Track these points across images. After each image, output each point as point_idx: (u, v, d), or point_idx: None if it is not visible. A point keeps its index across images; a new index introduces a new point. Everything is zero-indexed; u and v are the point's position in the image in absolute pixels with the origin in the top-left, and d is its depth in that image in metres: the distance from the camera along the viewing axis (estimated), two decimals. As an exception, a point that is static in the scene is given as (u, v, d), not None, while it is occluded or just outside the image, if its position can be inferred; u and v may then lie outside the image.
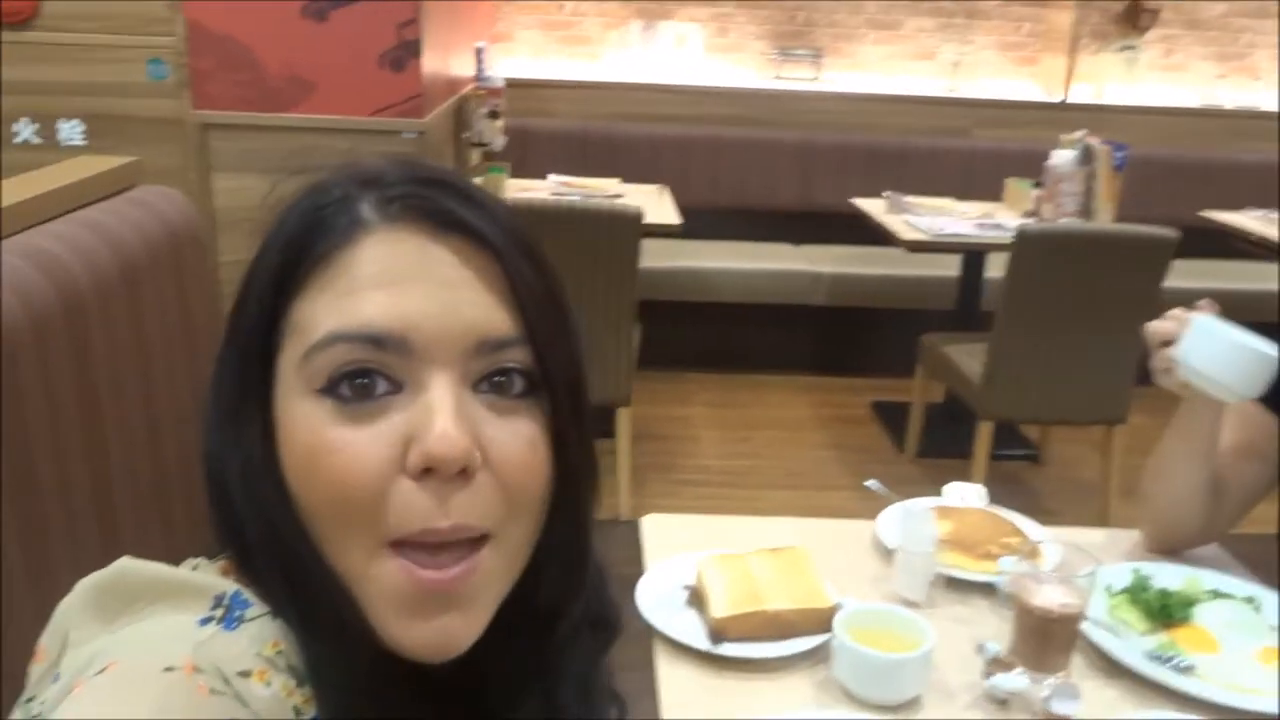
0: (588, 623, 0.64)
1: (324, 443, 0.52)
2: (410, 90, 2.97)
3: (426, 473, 0.51)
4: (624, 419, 3.14)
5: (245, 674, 0.49)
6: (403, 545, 0.52)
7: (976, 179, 4.36)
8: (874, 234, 3.71)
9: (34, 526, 0.93)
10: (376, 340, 0.51)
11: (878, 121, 4.67)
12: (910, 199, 3.84)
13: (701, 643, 1.21)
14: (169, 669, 0.47)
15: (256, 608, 0.53)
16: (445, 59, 3.41)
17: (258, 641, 0.51)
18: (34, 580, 0.90)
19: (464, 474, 0.52)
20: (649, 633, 1.24)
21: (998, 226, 3.52)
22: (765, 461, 3.63)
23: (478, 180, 3.72)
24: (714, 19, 4.76)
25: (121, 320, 1.16)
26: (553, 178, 3.96)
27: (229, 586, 0.53)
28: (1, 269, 0.89)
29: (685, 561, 1.36)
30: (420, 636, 0.53)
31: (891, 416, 3.91)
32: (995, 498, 1.56)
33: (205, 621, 0.51)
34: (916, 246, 3.46)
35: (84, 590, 0.53)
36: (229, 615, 0.51)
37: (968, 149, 4.62)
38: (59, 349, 0.96)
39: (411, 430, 0.51)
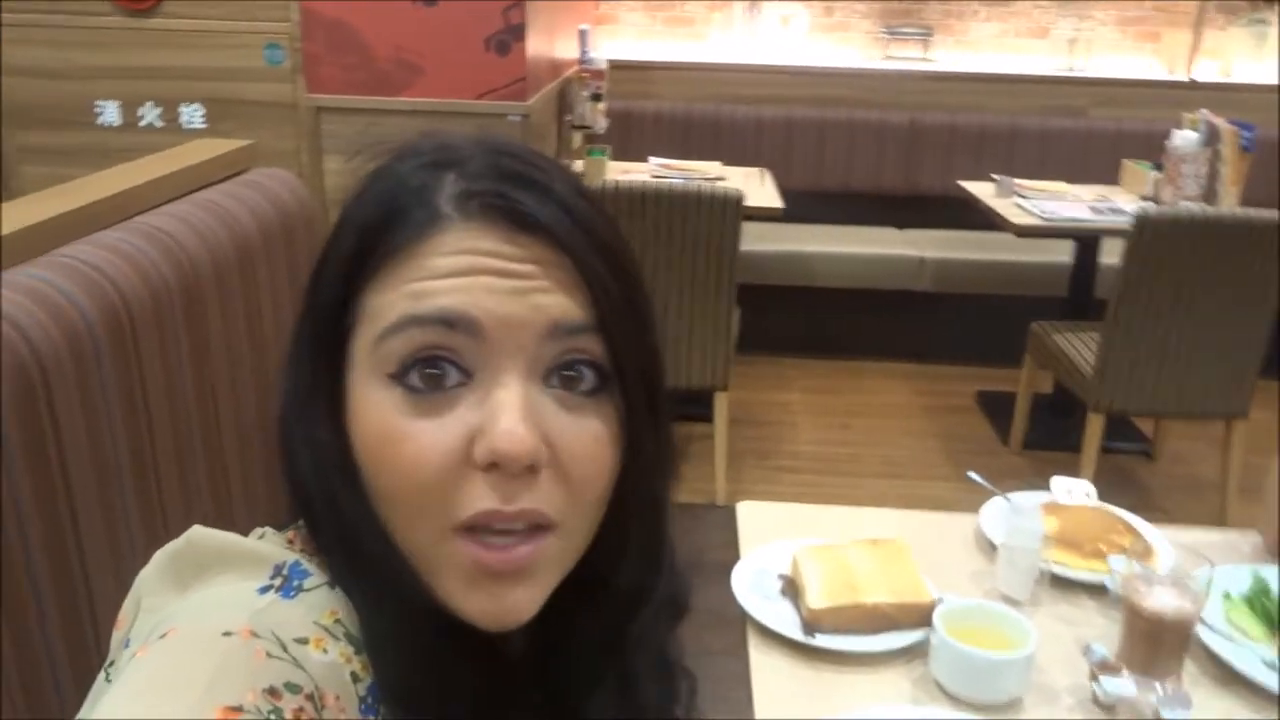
0: (662, 602, 0.65)
1: (395, 431, 0.52)
2: (515, 73, 2.99)
3: (493, 466, 0.52)
4: (721, 403, 3.13)
5: (302, 640, 0.50)
6: (470, 529, 0.53)
7: (1092, 161, 4.21)
8: (982, 218, 3.61)
9: (153, 505, 0.97)
10: (449, 322, 0.52)
11: (988, 102, 4.54)
12: (1020, 182, 3.73)
13: (795, 633, 1.20)
14: (227, 634, 0.48)
15: (315, 578, 0.54)
16: (549, 42, 3.43)
17: (315, 610, 0.52)
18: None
19: (530, 469, 0.52)
20: (743, 619, 1.24)
21: (1114, 210, 3.39)
22: (864, 449, 3.58)
23: (578, 164, 3.76)
24: (819, -2, 4.68)
25: (236, 298, 1.20)
26: (654, 160, 3.95)
27: (289, 557, 0.54)
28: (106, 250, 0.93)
29: (781, 550, 1.35)
30: (485, 608, 0.54)
31: (996, 406, 3.81)
32: (1105, 494, 1.51)
33: (264, 590, 0.52)
34: (1026, 231, 3.35)
35: (158, 559, 0.55)
36: (287, 585, 0.53)
37: (1083, 130, 4.45)
38: (177, 326, 1.00)
39: (480, 424, 0.52)
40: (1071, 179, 3.88)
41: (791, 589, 1.28)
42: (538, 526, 0.54)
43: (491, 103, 2.99)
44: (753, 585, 1.30)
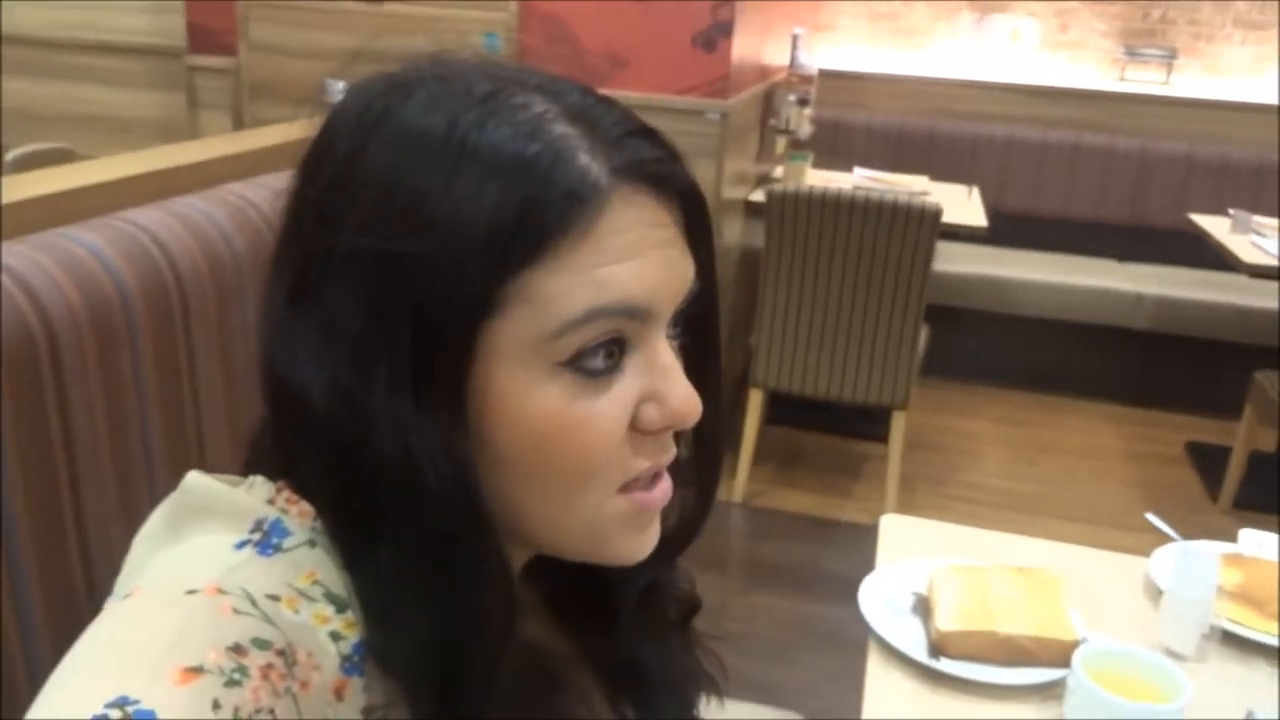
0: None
1: (572, 418, 0.51)
2: (719, 71, 2.98)
3: (664, 428, 0.54)
4: (898, 423, 3.01)
5: (274, 598, 0.48)
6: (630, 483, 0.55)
7: (1349, 203, 3.81)
8: (1213, 256, 3.33)
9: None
10: (633, 313, 0.51)
11: (1233, 132, 4.18)
12: (1261, 220, 3.41)
13: (920, 654, 1.13)
14: (191, 591, 0.46)
15: (296, 536, 0.51)
16: (759, 43, 3.41)
17: (291, 571, 0.50)
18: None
19: None
20: (864, 629, 1.17)
21: (1367, 258, 3.05)
22: (1053, 489, 3.36)
23: (778, 169, 3.71)
24: (1056, 14, 4.44)
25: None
26: (859, 171, 3.86)
27: (271, 513, 0.52)
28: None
29: (922, 567, 1.27)
30: (640, 546, 0.57)
31: (1208, 460, 3.50)
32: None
33: (241, 545, 0.50)
34: (1260, 272, 3.06)
35: (158, 510, 0.54)
36: (265, 541, 0.50)
37: (1343, 170, 4.04)
38: (244, 296, 1.01)
39: (647, 391, 0.53)
40: (1322, 220, 3.52)
41: (924, 608, 1.20)
42: None
43: (692, 99, 2.99)
44: (883, 601, 1.23)
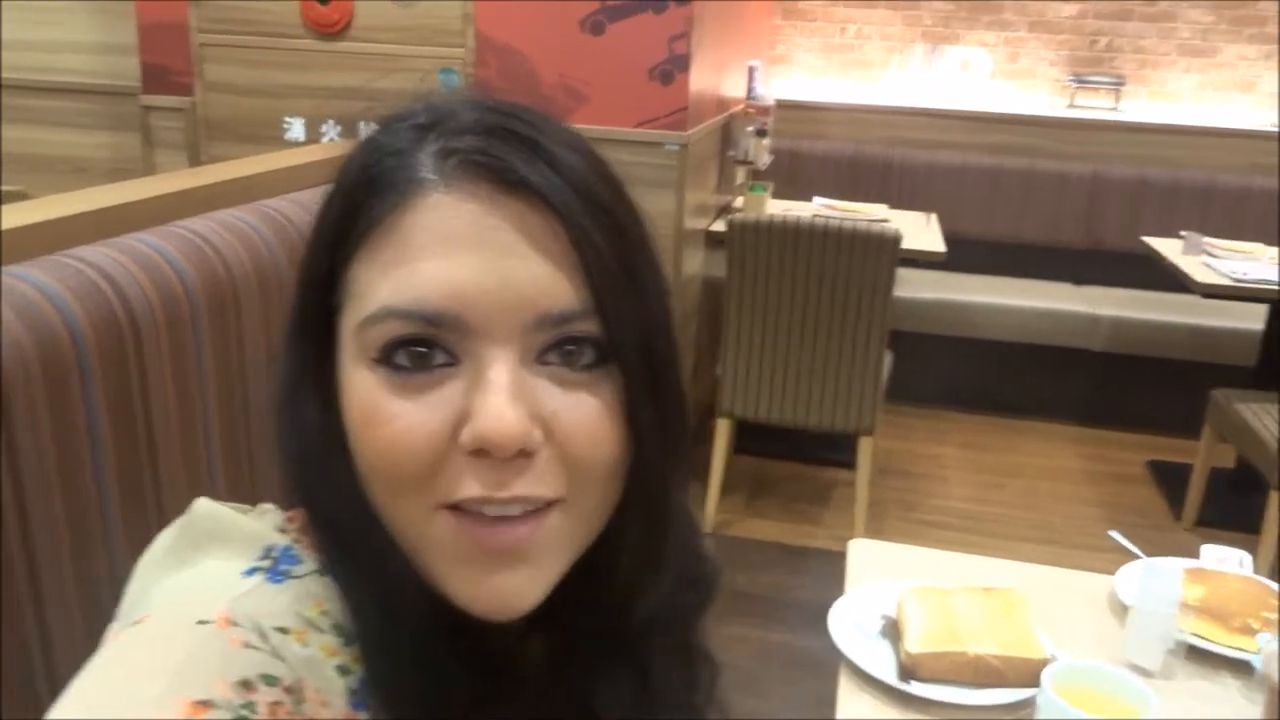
0: (685, 584, 0.61)
1: (378, 412, 0.49)
2: (676, 103, 3.01)
3: (481, 452, 0.48)
4: (865, 449, 3.02)
5: (283, 630, 0.47)
6: (459, 509, 0.50)
7: (1296, 224, 3.89)
8: (1166, 277, 3.38)
9: (244, 481, 1.00)
10: (429, 319, 0.49)
11: (1181, 156, 4.27)
12: (1211, 241, 3.48)
13: (890, 677, 1.12)
14: (202, 621, 0.46)
15: (305, 565, 0.51)
16: (716, 76, 3.44)
17: (301, 601, 0.49)
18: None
19: (523, 454, 0.49)
20: (836, 656, 1.17)
21: (1316, 275, 3.11)
22: (1019, 512, 3.38)
23: (738, 200, 3.74)
24: (1005, 44, 4.53)
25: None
26: (818, 200, 3.90)
27: (281, 540, 0.52)
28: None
29: (890, 590, 1.27)
30: (481, 593, 0.50)
31: (1170, 478, 3.54)
32: (1278, 576, 1.35)
33: (250, 572, 0.50)
34: (1213, 292, 3.11)
35: (165, 533, 0.54)
36: (275, 569, 0.50)
37: (1288, 191, 4.13)
38: (286, 301, 1.02)
39: (467, 407, 0.49)
40: (1272, 242, 3.59)
41: (893, 631, 1.20)
42: (538, 508, 0.50)
43: (650, 130, 3.01)
44: (852, 624, 1.22)
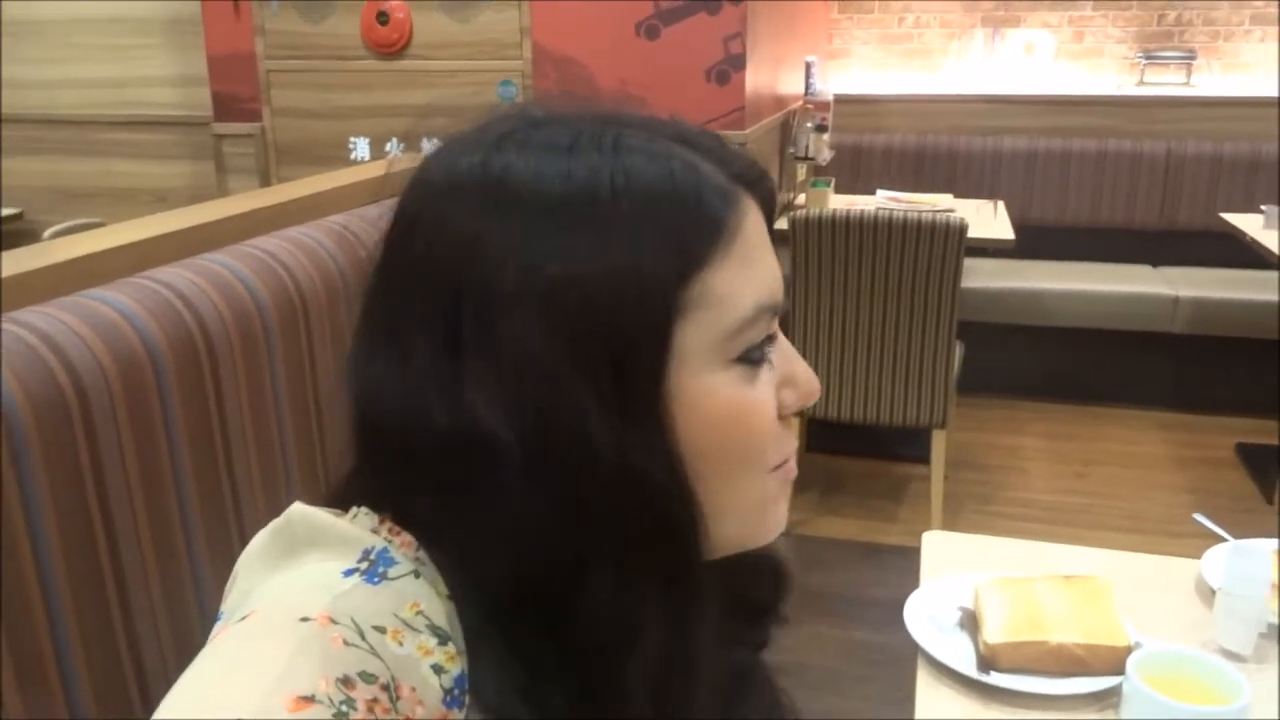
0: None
1: (750, 403, 0.56)
2: (734, 103, 3.01)
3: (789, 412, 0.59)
4: (939, 442, 2.98)
5: (380, 629, 0.48)
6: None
7: (1385, 193, 3.75)
8: (1246, 254, 3.28)
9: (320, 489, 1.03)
10: (778, 308, 0.57)
11: (1259, 129, 4.13)
12: (1295, 214, 3.36)
13: (969, 669, 1.11)
14: (305, 619, 0.47)
15: (401, 566, 0.52)
16: (773, 73, 3.43)
17: (398, 601, 0.50)
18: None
19: None
20: (914, 652, 1.15)
21: None
22: (1101, 501, 3.30)
23: (800, 197, 3.72)
24: (1069, 24, 4.44)
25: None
26: (881, 193, 3.86)
27: (378, 542, 0.53)
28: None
29: (965, 581, 1.26)
30: (781, 519, 0.61)
31: (1261, 462, 3.42)
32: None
33: (349, 573, 0.51)
34: (1298, 266, 3.02)
35: (260, 536, 0.55)
36: (372, 570, 0.51)
37: (1377, 159, 3.97)
38: (353, 315, 1.05)
39: (784, 376, 0.58)
40: (1358, 211, 3.46)
41: (971, 622, 1.18)
42: None
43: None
44: (929, 617, 1.21)
